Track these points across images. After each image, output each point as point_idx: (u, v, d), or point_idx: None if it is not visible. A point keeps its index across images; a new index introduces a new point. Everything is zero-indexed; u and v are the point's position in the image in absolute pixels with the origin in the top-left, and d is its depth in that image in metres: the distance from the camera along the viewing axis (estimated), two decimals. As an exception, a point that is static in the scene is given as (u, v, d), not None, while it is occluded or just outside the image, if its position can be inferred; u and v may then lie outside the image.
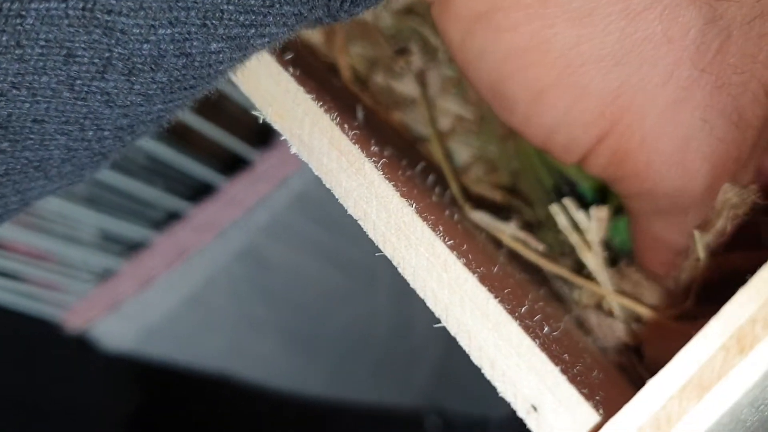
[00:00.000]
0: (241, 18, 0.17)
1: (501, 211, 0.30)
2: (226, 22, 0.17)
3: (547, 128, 0.23)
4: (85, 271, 0.50)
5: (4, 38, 0.15)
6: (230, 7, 0.17)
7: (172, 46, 0.16)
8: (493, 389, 0.16)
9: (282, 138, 0.20)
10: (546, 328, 0.18)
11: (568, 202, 0.27)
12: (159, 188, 0.48)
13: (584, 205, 0.27)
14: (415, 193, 0.20)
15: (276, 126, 0.20)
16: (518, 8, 0.20)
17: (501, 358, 0.16)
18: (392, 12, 0.33)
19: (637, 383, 0.15)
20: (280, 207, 0.53)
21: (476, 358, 0.16)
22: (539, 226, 0.31)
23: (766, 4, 0.20)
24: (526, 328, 0.16)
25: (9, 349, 0.50)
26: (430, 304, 0.17)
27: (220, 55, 0.17)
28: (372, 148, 0.20)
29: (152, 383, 0.58)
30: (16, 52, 0.15)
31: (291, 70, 0.20)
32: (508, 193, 0.32)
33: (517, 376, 0.16)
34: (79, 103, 0.17)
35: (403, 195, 0.18)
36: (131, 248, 0.51)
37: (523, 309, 0.18)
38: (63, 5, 0.15)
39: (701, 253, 0.23)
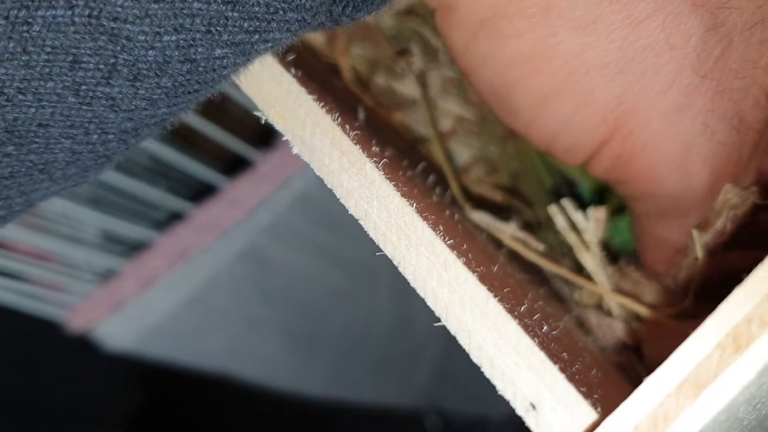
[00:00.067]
0: (246, 24, 0.17)
1: (501, 212, 0.30)
2: (231, 28, 0.17)
3: (550, 132, 0.23)
4: (87, 272, 0.50)
5: (11, 45, 0.15)
6: (235, 14, 0.17)
7: (176, 53, 0.17)
8: (494, 389, 0.16)
9: (284, 139, 0.20)
10: (545, 327, 0.18)
11: (566, 202, 0.27)
12: (161, 189, 0.48)
13: (584, 205, 0.27)
14: (415, 193, 0.20)
15: (278, 127, 0.20)
16: (522, 16, 0.21)
17: (500, 357, 0.16)
18: (393, 13, 0.34)
19: (636, 382, 0.15)
20: (281, 207, 0.54)
21: (476, 357, 0.17)
22: (539, 227, 0.31)
23: (767, 10, 0.21)
24: (525, 327, 0.17)
25: (12, 349, 0.50)
26: (430, 303, 0.17)
27: (224, 61, 0.18)
28: (373, 149, 0.20)
29: (154, 383, 0.58)
30: (23, 58, 0.16)
31: (293, 71, 0.20)
32: (508, 193, 0.32)
33: (516, 374, 0.16)
34: (85, 107, 0.17)
35: (403, 195, 0.18)
36: (134, 249, 0.52)
37: (522, 308, 0.18)
38: (69, 13, 0.15)
39: (699, 252, 0.23)
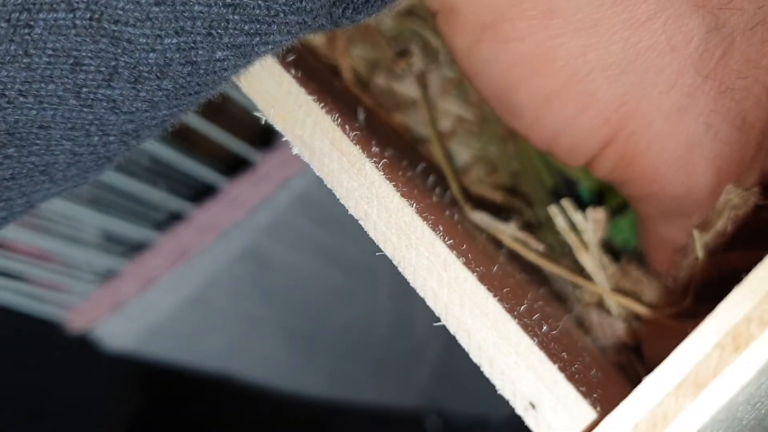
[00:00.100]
0: (246, 27, 0.17)
1: (501, 212, 0.30)
2: (231, 31, 0.17)
3: (552, 133, 0.23)
4: (87, 272, 0.50)
5: (12, 47, 0.16)
6: (235, 17, 0.17)
7: (177, 55, 0.17)
8: (494, 389, 0.16)
9: (284, 139, 0.20)
10: (545, 327, 0.18)
11: (566, 203, 0.27)
12: (161, 189, 0.49)
13: (584, 205, 0.27)
14: (415, 193, 0.20)
15: (278, 127, 0.20)
16: (523, 19, 0.21)
17: (500, 357, 0.16)
18: (393, 14, 0.34)
19: (636, 382, 0.15)
20: (281, 208, 0.54)
21: (475, 357, 0.17)
22: (540, 227, 0.31)
23: None
24: (525, 327, 0.17)
25: (12, 349, 0.50)
26: (429, 303, 0.17)
27: (225, 63, 0.18)
28: (373, 149, 0.20)
29: (154, 383, 0.58)
30: (24, 60, 0.16)
31: (293, 71, 0.21)
32: (508, 193, 0.32)
33: (516, 374, 0.16)
34: (85, 109, 0.17)
35: (403, 195, 0.18)
36: (134, 249, 0.52)
37: (522, 308, 0.18)
38: (71, 15, 0.16)
39: (699, 252, 0.23)
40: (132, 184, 0.46)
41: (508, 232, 0.28)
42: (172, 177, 0.51)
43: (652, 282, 0.26)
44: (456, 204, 0.29)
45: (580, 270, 0.28)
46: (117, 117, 0.18)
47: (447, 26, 0.23)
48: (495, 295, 0.17)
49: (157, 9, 0.16)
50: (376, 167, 0.19)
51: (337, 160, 0.19)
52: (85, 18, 0.16)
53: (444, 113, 0.33)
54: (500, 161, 0.33)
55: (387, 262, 0.18)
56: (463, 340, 0.17)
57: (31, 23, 0.15)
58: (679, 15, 0.20)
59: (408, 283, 0.18)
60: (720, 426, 0.17)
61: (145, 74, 0.17)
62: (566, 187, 0.32)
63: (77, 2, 0.16)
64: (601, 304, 0.27)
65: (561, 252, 0.29)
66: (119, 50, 0.16)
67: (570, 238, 0.27)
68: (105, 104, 0.17)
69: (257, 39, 0.18)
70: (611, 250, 0.28)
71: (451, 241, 0.18)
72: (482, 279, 0.17)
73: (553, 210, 0.27)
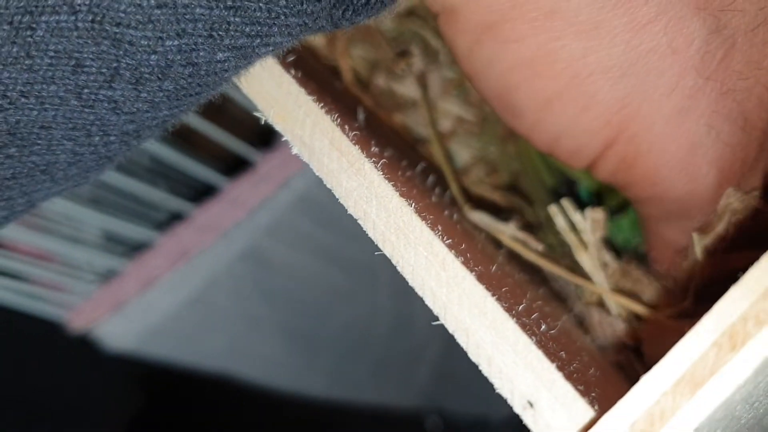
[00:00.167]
0: (247, 29, 0.17)
1: (501, 213, 0.30)
2: (232, 33, 0.17)
3: (553, 135, 0.23)
4: (88, 272, 0.50)
5: (14, 49, 0.16)
6: (236, 19, 0.17)
7: (179, 57, 0.17)
8: (494, 389, 0.17)
9: (284, 139, 0.20)
10: (543, 326, 0.18)
11: (566, 203, 0.27)
12: (162, 189, 0.49)
13: (585, 205, 0.27)
14: (414, 193, 0.20)
15: (278, 127, 0.20)
16: (525, 20, 0.21)
17: (498, 355, 0.16)
18: (393, 15, 0.34)
19: (635, 381, 0.15)
20: (281, 208, 0.54)
21: (474, 355, 0.17)
22: (540, 227, 0.31)
23: None
24: (523, 326, 0.17)
25: (12, 349, 0.50)
26: (428, 302, 0.17)
27: (226, 64, 0.18)
28: (372, 149, 0.20)
29: (154, 383, 0.58)
30: (26, 62, 0.16)
31: (293, 72, 0.21)
32: (508, 194, 0.32)
33: (514, 372, 0.16)
34: (87, 110, 0.17)
35: (402, 195, 0.18)
36: (134, 249, 0.52)
37: (520, 307, 0.18)
38: (72, 18, 0.16)
39: (699, 255, 0.23)
40: (133, 184, 0.46)
41: (507, 232, 0.28)
42: (173, 177, 0.51)
43: (653, 282, 0.26)
44: (455, 204, 0.29)
45: (580, 270, 0.28)
46: (118, 117, 0.18)
47: (448, 27, 0.23)
48: (493, 294, 0.17)
49: (159, 12, 0.16)
50: (376, 167, 0.19)
51: (337, 160, 0.19)
52: (87, 20, 0.16)
53: (444, 114, 0.34)
54: (500, 162, 0.33)
55: (387, 261, 0.18)
56: (461, 339, 0.17)
57: (34, 26, 0.16)
58: (680, 17, 0.20)
59: (408, 283, 0.18)
60: (718, 425, 0.17)
61: (147, 75, 0.17)
62: (566, 188, 0.32)
63: (79, 5, 0.16)
64: (601, 303, 0.27)
65: (561, 252, 0.29)
66: (121, 52, 0.16)
67: (569, 237, 0.27)
68: (106, 105, 0.17)
69: (258, 41, 0.18)
70: (613, 249, 0.28)
71: (450, 240, 0.18)
72: (481, 278, 0.17)
73: (553, 209, 0.27)
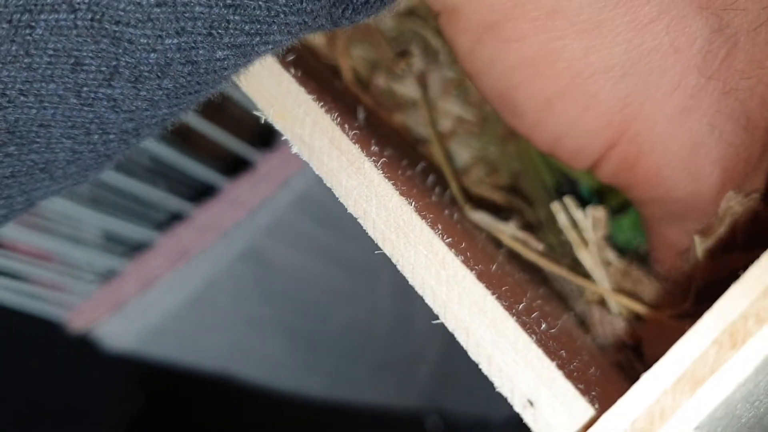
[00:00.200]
0: (247, 27, 0.17)
1: (502, 212, 0.30)
2: (232, 31, 0.17)
3: (555, 135, 0.23)
4: (88, 272, 0.50)
5: (13, 48, 0.16)
6: (236, 18, 0.17)
7: (178, 55, 0.17)
8: (495, 389, 0.17)
9: (283, 138, 0.20)
10: (543, 325, 0.18)
11: (568, 200, 0.27)
12: (162, 189, 0.49)
13: (586, 205, 0.27)
14: (414, 192, 0.20)
15: (277, 126, 0.20)
16: (526, 20, 0.21)
17: (498, 354, 0.16)
18: (393, 14, 0.34)
19: (636, 381, 0.15)
20: (282, 208, 0.54)
21: (474, 354, 0.17)
22: (540, 227, 0.31)
23: None
24: (523, 325, 0.17)
25: (12, 348, 0.50)
26: (428, 300, 0.17)
27: (225, 62, 0.18)
28: (372, 148, 0.20)
29: (155, 383, 0.58)
30: (25, 60, 0.16)
31: (292, 71, 0.21)
32: (508, 194, 0.32)
33: (514, 371, 0.16)
34: (86, 108, 0.17)
35: (402, 194, 0.18)
36: (134, 249, 0.52)
37: (520, 306, 0.18)
38: (72, 16, 0.16)
39: (700, 257, 0.23)
40: (132, 184, 0.46)
41: (507, 231, 0.28)
42: (173, 177, 0.51)
43: (653, 282, 0.26)
44: (455, 204, 0.29)
45: (580, 270, 0.28)
46: (117, 116, 0.18)
47: (449, 26, 0.23)
48: (493, 293, 0.17)
49: (158, 10, 0.16)
50: (376, 166, 0.19)
51: (336, 159, 0.19)
52: (86, 19, 0.16)
53: (444, 114, 0.34)
54: (501, 162, 0.33)
55: (387, 261, 0.18)
56: (461, 338, 0.17)
57: (33, 24, 0.16)
58: (682, 16, 0.20)
59: (408, 283, 0.18)
60: (719, 424, 0.17)
61: (146, 74, 0.17)
62: (567, 188, 0.32)
63: (78, 3, 0.16)
64: (602, 302, 0.27)
65: (562, 252, 0.29)
66: (120, 50, 0.16)
67: (571, 235, 0.27)
68: (105, 103, 0.17)
69: (257, 39, 0.18)
70: (615, 248, 0.28)
71: (450, 239, 0.18)
72: (481, 277, 0.17)
73: (555, 206, 0.27)
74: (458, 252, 0.17)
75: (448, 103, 0.33)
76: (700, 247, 0.23)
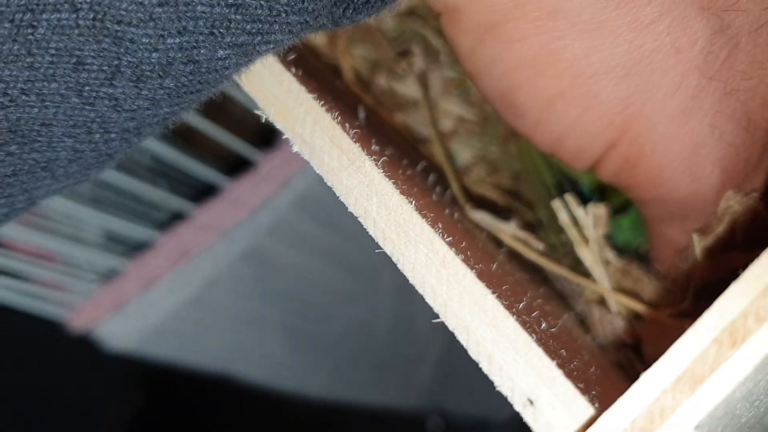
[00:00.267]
0: (248, 26, 0.17)
1: (502, 212, 0.30)
2: (233, 30, 0.17)
3: (556, 135, 0.23)
4: (89, 271, 0.50)
5: (15, 47, 0.16)
6: (237, 17, 0.17)
7: (180, 54, 0.17)
8: (495, 389, 0.17)
9: (284, 137, 0.20)
10: (543, 325, 0.18)
11: (569, 198, 0.27)
12: (163, 189, 0.49)
13: (587, 202, 0.27)
14: (415, 191, 0.20)
15: (278, 125, 0.20)
16: (528, 20, 0.21)
17: (498, 353, 0.16)
18: (394, 14, 0.34)
19: (635, 380, 0.15)
20: (283, 208, 0.54)
21: (474, 353, 0.17)
22: (540, 227, 0.31)
23: None
24: (524, 324, 0.17)
25: (13, 348, 0.50)
26: (429, 299, 0.17)
27: (227, 62, 0.18)
28: (373, 147, 0.20)
29: (155, 383, 0.58)
30: (27, 60, 0.16)
31: (293, 70, 0.21)
32: (509, 193, 0.32)
33: (514, 370, 0.16)
34: (87, 107, 0.17)
35: (402, 193, 0.18)
36: (135, 249, 0.52)
37: (520, 305, 0.18)
38: (74, 16, 0.16)
39: (699, 256, 0.23)
40: (134, 183, 0.46)
41: (508, 231, 0.28)
42: (174, 177, 0.51)
43: (653, 281, 0.26)
44: (456, 203, 0.29)
45: (581, 270, 0.28)
46: (119, 115, 0.18)
47: (450, 26, 0.23)
48: (494, 292, 0.17)
49: (160, 9, 0.16)
50: (376, 165, 0.19)
51: (337, 158, 0.19)
52: (88, 18, 0.16)
53: (445, 113, 0.34)
54: (501, 161, 0.33)
55: (388, 262, 0.18)
56: (461, 337, 0.17)
57: (35, 23, 0.16)
58: (683, 17, 0.20)
59: (409, 283, 0.18)
60: (719, 423, 0.17)
61: (148, 73, 0.17)
62: (568, 187, 0.32)
63: (80, 3, 0.16)
64: (602, 301, 0.27)
65: (562, 252, 0.29)
66: (122, 50, 0.16)
67: (571, 232, 0.27)
68: (107, 102, 0.17)
69: (259, 38, 0.18)
70: (615, 247, 0.28)
71: (450, 238, 0.18)
72: (481, 276, 0.17)
73: (556, 204, 0.27)
74: (459, 251, 0.17)
75: (449, 102, 0.33)
76: (699, 245, 0.23)
